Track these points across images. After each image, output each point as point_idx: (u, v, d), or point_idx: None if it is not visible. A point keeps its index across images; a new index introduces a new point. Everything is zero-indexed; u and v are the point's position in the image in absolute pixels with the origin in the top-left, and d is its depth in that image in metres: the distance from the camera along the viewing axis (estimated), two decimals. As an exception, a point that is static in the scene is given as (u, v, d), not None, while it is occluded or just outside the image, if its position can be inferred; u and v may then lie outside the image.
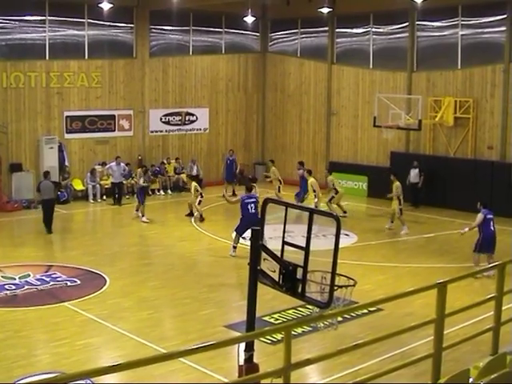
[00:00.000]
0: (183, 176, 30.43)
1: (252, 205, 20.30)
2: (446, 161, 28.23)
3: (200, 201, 25.85)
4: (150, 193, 31.01)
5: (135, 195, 27.26)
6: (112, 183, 28.97)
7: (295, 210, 9.81)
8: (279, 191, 27.76)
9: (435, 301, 9.57)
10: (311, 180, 25.67)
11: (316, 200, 24.95)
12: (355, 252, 21.31)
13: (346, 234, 22.66)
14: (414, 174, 27.83)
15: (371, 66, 31.51)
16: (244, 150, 35.45)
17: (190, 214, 26.29)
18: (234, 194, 29.42)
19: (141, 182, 26.23)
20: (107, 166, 29.28)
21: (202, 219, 25.68)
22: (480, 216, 19.18)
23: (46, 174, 24.66)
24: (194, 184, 26.17)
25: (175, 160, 31.92)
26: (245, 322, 9.26)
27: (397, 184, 24.08)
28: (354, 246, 22.20)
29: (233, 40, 34.78)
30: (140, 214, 25.92)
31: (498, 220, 24.10)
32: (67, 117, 29.62)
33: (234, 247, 20.67)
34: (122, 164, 29.14)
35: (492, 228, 19.27)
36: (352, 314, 14.75)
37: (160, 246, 22.52)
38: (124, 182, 30.28)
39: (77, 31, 29.78)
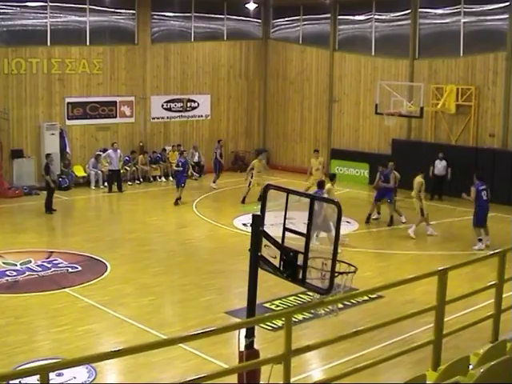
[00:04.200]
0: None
1: None
2: (448, 148, 28.14)
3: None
4: (152, 179, 31.09)
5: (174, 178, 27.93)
6: (110, 170, 28.83)
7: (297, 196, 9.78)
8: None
9: (436, 288, 9.59)
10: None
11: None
12: (356, 239, 21.31)
13: (348, 222, 22.66)
14: (441, 166, 27.06)
15: (373, 53, 31.42)
16: (245, 136, 35.40)
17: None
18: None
19: (173, 165, 26.97)
20: (104, 154, 29.21)
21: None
22: (473, 190, 20.24)
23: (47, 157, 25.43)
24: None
25: (177, 147, 31.83)
26: (245, 308, 9.28)
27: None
28: (355, 233, 22.20)
29: (234, 26, 34.67)
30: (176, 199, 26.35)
31: (499, 208, 24.21)
32: (68, 103, 29.56)
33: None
34: (119, 150, 29.08)
35: (485, 198, 20.25)
36: (353, 301, 14.78)
37: (161, 233, 22.53)
38: (127, 168, 30.31)
39: (78, 17, 29.67)
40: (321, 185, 19.64)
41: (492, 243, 20.10)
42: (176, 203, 26.05)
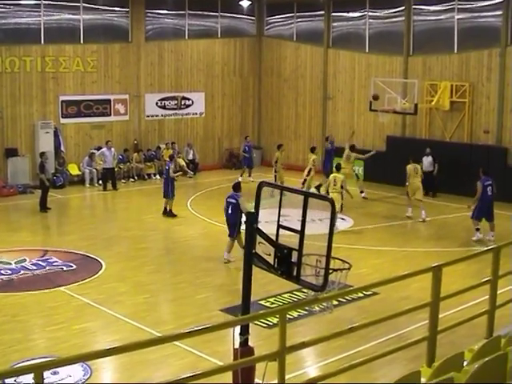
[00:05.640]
0: (180, 160, 30.28)
1: None
2: (442, 145, 28.15)
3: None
4: (146, 177, 31.08)
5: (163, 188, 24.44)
6: (104, 168, 28.78)
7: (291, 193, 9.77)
8: None
9: (431, 284, 9.59)
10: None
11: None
12: (351, 236, 21.34)
13: (342, 218, 22.68)
14: (427, 163, 26.86)
15: (367, 50, 31.43)
16: (240, 134, 35.35)
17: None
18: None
19: (171, 172, 24.17)
20: (99, 152, 29.15)
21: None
22: (479, 185, 20.42)
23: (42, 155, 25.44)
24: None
25: (171, 144, 31.83)
26: (240, 305, 9.28)
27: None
28: (349, 230, 22.22)
29: (228, 24, 34.64)
30: (168, 208, 24.26)
31: (494, 205, 24.20)
32: (63, 101, 29.53)
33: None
34: (113, 148, 29.03)
35: (489, 193, 20.35)
36: (348, 298, 14.81)
37: (156, 231, 22.53)
38: (121, 166, 30.29)
39: (72, 15, 29.62)
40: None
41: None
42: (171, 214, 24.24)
